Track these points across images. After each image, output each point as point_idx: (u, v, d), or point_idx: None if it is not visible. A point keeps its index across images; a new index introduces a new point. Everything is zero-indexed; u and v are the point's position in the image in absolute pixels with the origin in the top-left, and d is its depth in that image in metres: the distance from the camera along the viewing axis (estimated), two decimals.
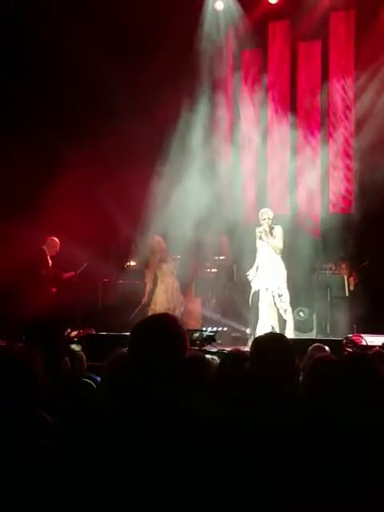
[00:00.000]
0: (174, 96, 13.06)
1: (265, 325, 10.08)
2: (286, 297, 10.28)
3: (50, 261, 11.69)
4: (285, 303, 10.24)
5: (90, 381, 4.98)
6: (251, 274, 10.51)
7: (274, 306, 10.17)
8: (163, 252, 11.79)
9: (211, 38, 13.88)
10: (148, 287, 11.88)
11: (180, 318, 10.98)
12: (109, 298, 12.99)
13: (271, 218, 10.41)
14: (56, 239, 11.73)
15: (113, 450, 2.37)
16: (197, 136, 13.49)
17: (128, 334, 2.71)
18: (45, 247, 11.67)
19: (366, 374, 3.26)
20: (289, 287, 10.38)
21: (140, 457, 2.35)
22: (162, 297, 11.68)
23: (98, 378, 4.89)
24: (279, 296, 10.19)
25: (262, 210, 10.60)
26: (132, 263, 13.60)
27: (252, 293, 10.38)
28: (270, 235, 10.28)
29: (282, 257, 10.41)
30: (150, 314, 11.36)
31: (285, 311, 10.21)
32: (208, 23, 13.86)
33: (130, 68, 13.01)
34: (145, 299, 11.85)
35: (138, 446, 2.37)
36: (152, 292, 11.84)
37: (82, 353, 5.85)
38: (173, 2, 12.98)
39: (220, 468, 2.42)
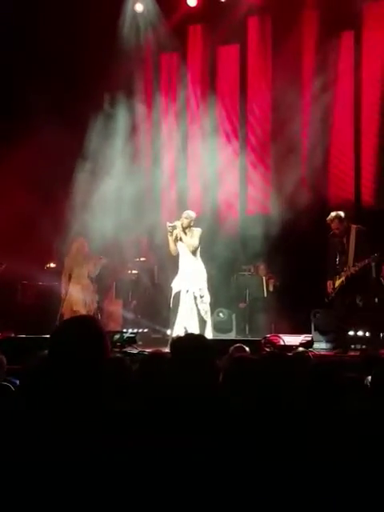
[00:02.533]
0: (95, 98, 13.02)
1: (185, 326, 10.12)
2: (207, 298, 10.33)
3: None
4: (205, 304, 10.29)
5: (8, 384, 4.94)
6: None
7: (194, 307, 10.21)
8: (86, 254, 11.68)
9: (131, 40, 13.86)
10: (63, 287, 11.70)
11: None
12: (28, 300, 12.85)
13: (192, 217, 10.38)
14: None
15: (31, 454, 2.36)
16: (117, 137, 13.47)
17: (48, 336, 2.70)
18: None
19: (283, 373, 3.34)
20: (208, 288, 10.45)
21: (61, 460, 2.35)
22: (79, 297, 11.54)
23: (17, 381, 4.85)
24: (201, 297, 10.24)
25: (185, 212, 10.57)
26: (52, 265, 13.47)
27: (173, 294, 10.40)
28: (184, 233, 10.26)
29: (201, 258, 10.45)
30: (65, 313, 11.30)
31: (205, 312, 10.26)
32: (128, 25, 13.84)
33: (48, 69, 12.92)
34: (63, 298, 11.68)
35: (57, 449, 2.36)
36: (67, 292, 11.67)
37: (1, 356, 5.78)
38: (92, 3, 12.92)
39: (141, 469, 2.44)
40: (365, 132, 13.01)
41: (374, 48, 12.92)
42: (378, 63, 12.89)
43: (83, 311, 11.23)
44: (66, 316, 11.13)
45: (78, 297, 11.47)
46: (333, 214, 10.20)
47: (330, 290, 10.22)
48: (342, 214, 10.19)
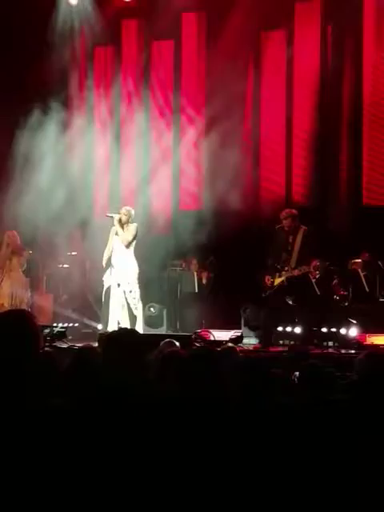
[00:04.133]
0: (27, 91, 12.88)
1: (115, 321, 10.13)
2: (136, 293, 10.34)
3: None
4: (135, 299, 10.31)
5: None
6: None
7: (125, 302, 10.22)
8: (17, 246, 11.54)
9: (64, 33, 13.74)
10: None
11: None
12: None
13: (130, 214, 10.35)
14: None
15: None
16: (50, 131, 13.33)
17: None
18: None
19: (210, 367, 3.41)
20: (140, 283, 10.46)
21: None
22: (7, 291, 11.39)
23: None
24: (130, 292, 10.25)
25: (124, 207, 10.53)
26: None
27: (104, 289, 10.39)
28: (121, 228, 10.27)
29: (134, 253, 10.45)
30: None
31: (135, 307, 10.28)
32: (61, 18, 13.69)
33: None
34: None
35: None
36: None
37: None
38: None
39: (67, 464, 2.45)
40: (296, 130, 13.20)
41: (304, 46, 13.13)
42: (308, 61, 13.10)
43: (7, 305, 11.10)
44: None
45: (4, 290, 11.33)
46: (287, 211, 10.33)
47: (268, 283, 10.25)
48: (295, 212, 10.31)
